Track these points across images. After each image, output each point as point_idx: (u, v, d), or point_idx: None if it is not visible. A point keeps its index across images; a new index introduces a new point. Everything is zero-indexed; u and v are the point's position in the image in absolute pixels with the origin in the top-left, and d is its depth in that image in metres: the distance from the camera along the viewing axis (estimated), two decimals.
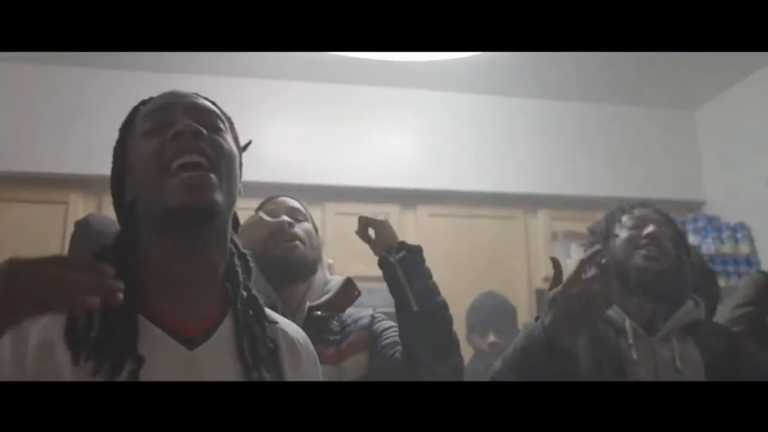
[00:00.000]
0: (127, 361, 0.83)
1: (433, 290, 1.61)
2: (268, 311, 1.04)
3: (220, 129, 0.97)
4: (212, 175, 0.90)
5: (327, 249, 3.67)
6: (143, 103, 1.02)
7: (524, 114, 4.18)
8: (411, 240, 4.06)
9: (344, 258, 3.71)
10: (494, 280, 3.67)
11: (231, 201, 0.95)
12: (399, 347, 1.59)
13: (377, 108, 4.03)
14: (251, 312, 0.97)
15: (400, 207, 3.92)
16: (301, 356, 1.03)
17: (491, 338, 2.85)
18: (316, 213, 3.71)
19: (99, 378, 0.81)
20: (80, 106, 3.74)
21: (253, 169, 4.05)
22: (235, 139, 1.03)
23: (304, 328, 1.56)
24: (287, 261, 1.61)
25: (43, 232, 3.42)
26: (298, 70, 3.85)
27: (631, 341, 1.55)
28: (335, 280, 1.74)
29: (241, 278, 0.99)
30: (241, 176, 1.01)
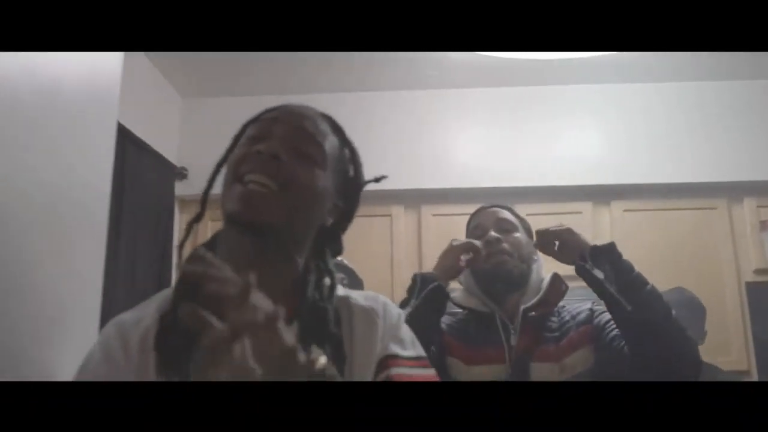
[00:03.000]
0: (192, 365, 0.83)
1: (638, 283, 1.57)
2: (343, 294, 1.02)
3: (310, 158, 0.97)
4: (272, 198, 0.92)
5: None
6: (274, 107, 1.06)
7: (716, 98, 3.95)
8: (605, 237, 4.00)
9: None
10: (697, 275, 3.54)
11: (301, 226, 0.97)
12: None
13: (561, 106, 3.99)
14: (314, 321, 0.94)
15: (593, 204, 3.86)
16: (376, 323, 0.99)
17: None
18: None
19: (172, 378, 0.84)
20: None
21: (442, 176, 4.22)
22: (355, 167, 1.06)
23: (522, 330, 1.61)
24: (496, 275, 1.67)
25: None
26: (477, 77, 3.92)
27: None
28: (545, 279, 1.76)
29: (309, 293, 0.96)
30: (352, 203, 1.04)
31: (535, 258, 1.77)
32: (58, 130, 1.59)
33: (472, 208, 3.69)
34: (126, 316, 0.95)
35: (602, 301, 1.60)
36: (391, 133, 3.78)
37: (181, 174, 3.96)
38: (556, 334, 1.66)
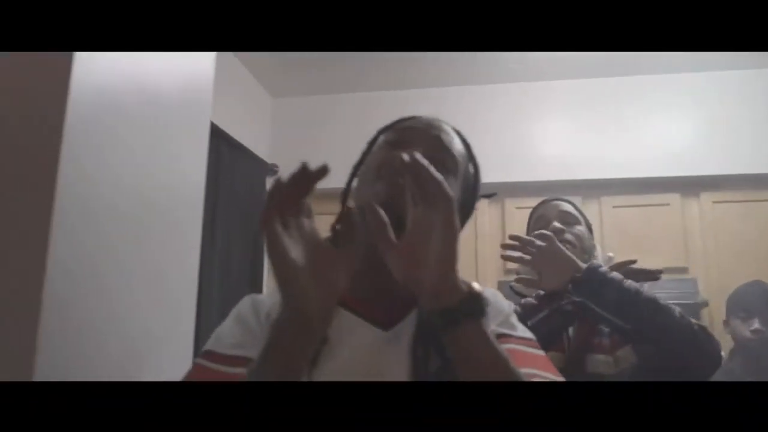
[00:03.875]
0: (322, 351, 0.91)
1: (629, 299, 1.49)
2: None
3: (445, 167, 1.00)
4: (408, 195, 0.93)
5: (606, 242, 3.71)
6: (410, 117, 1.11)
7: None
8: (695, 229, 3.95)
9: (622, 250, 3.71)
10: None
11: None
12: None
13: (647, 97, 3.93)
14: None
15: (681, 196, 3.80)
16: (488, 314, 1.00)
17: (756, 325, 2.67)
18: (592, 207, 3.79)
19: None
20: (370, 125, 4.15)
21: (526, 168, 4.23)
22: (475, 184, 1.10)
23: (580, 321, 1.61)
24: None
25: None
26: (561, 69, 3.91)
27: None
28: None
29: None
30: (465, 216, 1.06)
31: (595, 253, 1.77)
32: (158, 131, 1.72)
33: None
34: (260, 296, 1.06)
35: (671, 299, 1.57)
36: (475, 127, 3.72)
37: (273, 170, 4.13)
38: (608, 329, 1.63)
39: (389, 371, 0.93)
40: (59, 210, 1.34)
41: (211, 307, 3.34)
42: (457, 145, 1.07)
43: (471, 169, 1.10)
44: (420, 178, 0.81)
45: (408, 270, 0.82)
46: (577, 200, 3.79)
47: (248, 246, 3.86)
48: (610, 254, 3.68)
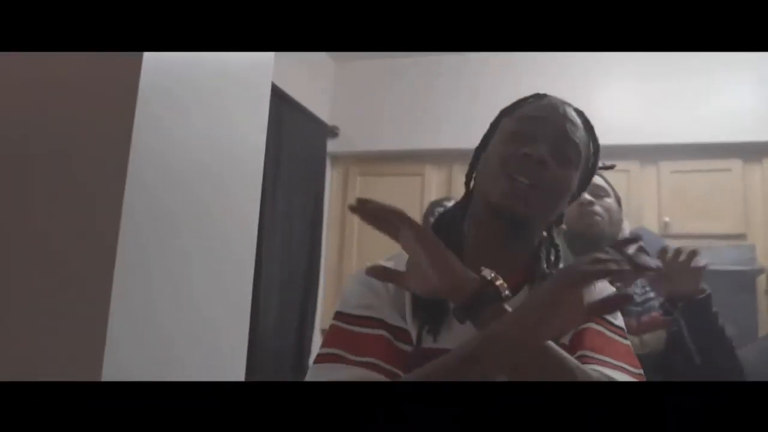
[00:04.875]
0: (445, 320, 0.98)
1: (717, 341, 1.58)
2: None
3: (569, 161, 1.04)
4: (535, 197, 1.00)
5: (663, 207, 3.71)
6: (534, 97, 1.12)
7: None
8: (756, 196, 3.92)
9: (680, 216, 3.71)
10: None
11: (547, 216, 1.05)
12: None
13: (709, 63, 3.86)
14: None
15: (743, 162, 3.75)
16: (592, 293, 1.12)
17: None
18: (651, 172, 3.78)
19: (424, 332, 0.98)
20: (431, 89, 4.20)
21: None
22: (594, 161, 1.13)
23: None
24: (586, 235, 1.70)
25: (403, 202, 3.92)
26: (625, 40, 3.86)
27: None
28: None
29: (543, 262, 1.08)
30: (584, 188, 1.12)
31: (623, 226, 1.80)
32: (221, 100, 1.81)
33: (619, 165, 3.70)
34: (385, 263, 1.03)
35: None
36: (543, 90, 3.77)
37: (333, 132, 4.23)
38: (639, 308, 1.70)
39: None
40: (129, 190, 1.46)
41: (272, 270, 3.47)
42: (581, 133, 1.07)
43: (592, 149, 1.11)
44: None
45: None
46: (635, 165, 3.82)
47: (309, 206, 3.98)
48: (667, 219, 3.68)
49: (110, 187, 1.45)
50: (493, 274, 0.91)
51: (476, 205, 1.07)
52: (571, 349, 0.99)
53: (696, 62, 3.85)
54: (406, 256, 0.93)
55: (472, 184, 1.11)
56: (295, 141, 3.80)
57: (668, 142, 3.81)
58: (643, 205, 3.77)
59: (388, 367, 0.94)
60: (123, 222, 1.43)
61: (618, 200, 1.83)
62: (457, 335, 0.93)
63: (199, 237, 1.72)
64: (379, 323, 0.98)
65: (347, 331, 0.98)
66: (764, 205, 3.65)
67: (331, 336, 1.00)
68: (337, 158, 4.36)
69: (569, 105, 1.10)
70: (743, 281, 3.22)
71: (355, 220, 4.62)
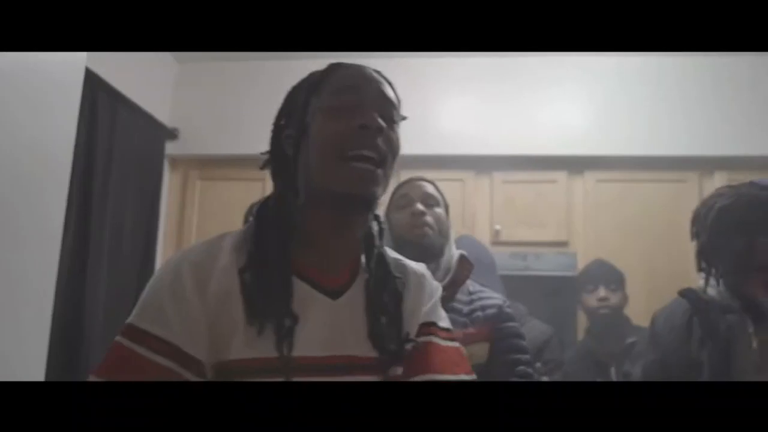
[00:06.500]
0: (286, 320, 0.90)
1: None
2: (396, 256, 1.13)
3: (395, 122, 1.01)
4: (379, 171, 0.96)
5: (495, 216, 3.88)
6: (331, 69, 1.04)
7: (695, 72, 4.03)
8: (578, 205, 4.14)
9: (510, 224, 3.91)
10: (668, 245, 3.67)
11: (386, 188, 1.00)
12: (521, 367, 1.70)
13: (543, 76, 4.07)
14: (380, 267, 1.05)
15: (568, 173, 3.99)
16: (425, 287, 1.11)
17: (602, 293, 2.88)
18: (484, 182, 3.94)
19: (262, 337, 0.89)
20: (274, 93, 4.15)
21: (425, 142, 4.31)
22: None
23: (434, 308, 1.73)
24: (416, 246, 1.72)
25: (243, 207, 3.87)
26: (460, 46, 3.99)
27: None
28: (454, 258, 1.81)
29: (376, 241, 1.07)
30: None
31: (450, 236, 1.84)
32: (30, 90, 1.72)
33: (452, 174, 3.85)
34: (197, 257, 0.94)
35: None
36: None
37: (173, 134, 4.10)
38: (464, 319, 1.74)
39: (344, 341, 0.96)
40: None
41: (99, 273, 3.31)
42: (390, 90, 1.04)
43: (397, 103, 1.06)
44: None
45: None
46: (470, 174, 3.96)
47: (144, 209, 3.83)
48: (498, 227, 3.87)
49: None
50: None
51: (312, 195, 0.98)
52: (410, 368, 1.00)
53: (529, 77, 4.07)
54: None
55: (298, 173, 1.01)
56: (130, 142, 3.65)
57: (501, 154, 3.96)
58: (476, 213, 3.94)
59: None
60: None
61: (447, 208, 1.87)
62: (301, 342, 0.91)
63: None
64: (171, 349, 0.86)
65: (137, 357, 0.86)
66: (585, 215, 3.92)
67: (113, 361, 0.87)
68: (176, 161, 4.22)
69: (369, 68, 1.05)
70: (565, 286, 3.43)
71: (194, 222, 4.50)
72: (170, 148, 4.13)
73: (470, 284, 1.84)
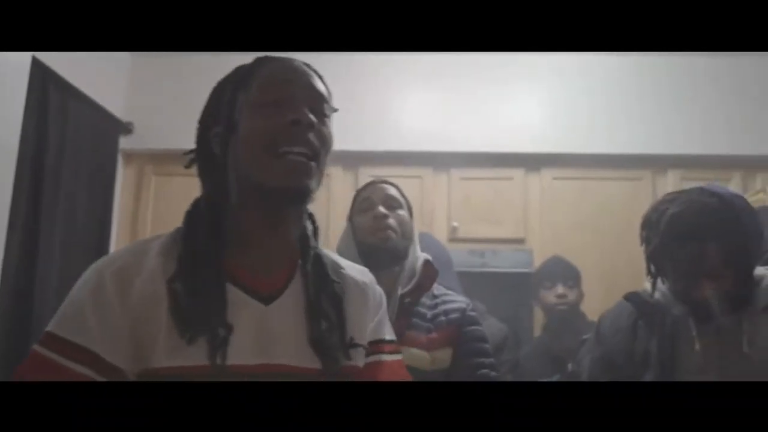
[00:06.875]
0: (220, 330, 0.87)
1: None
2: (335, 259, 1.10)
3: (326, 115, 1.00)
4: (313, 164, 0.94)
5: (452, 213, 3.89)
6: (259, 63, 1.03)
7: (652, 71, 4.08)
8: (535, 202, 4.17)
9: (467, 221, 3.92)
10: (623, 243, 3.67)
11: (320, 182, 0.98)
12: (483, 370, 1.71)
13: (501, 73, 4.08)
14: (318, 269, 1.02)
15: (525, 171, 4.01)
16: (368, 297, 1.09)
17: (560, 290, 2.92)
18: (442, 179, 3.95)
19: (192, 345, 0.85)
20: None
21: (383, 138, 4.28)
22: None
23: (398, 314, 1.68)
24: (380, 249, 1.72)
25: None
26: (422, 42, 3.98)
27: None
28: (419, 261, 1.81)
29: (311, 242, 1.05)
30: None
31: (414, 238, 1.83)
32: None
33: (410, 171, 3.85)
34: (121, 262, 0.91)
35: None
36: (334, 95, 3.77)
37: (127, 129, 4.01)
38: (429, 324, 1.74)
39: (276, 348, 0.92)
40: None
41: (50, 268, 3.23)
42: (320, 82, 1.03)
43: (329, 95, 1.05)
44: None
45: None
46: (428, 171, 3.96)
47: (97, 204, 3.75)
48: (455, 224, 3.88)
49: None
50: None
51: (244, 193, 0.96)
52: None
53: (487, 74, 4.07)
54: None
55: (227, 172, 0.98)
56: (82, 136, 3.56)
57: (459, 150, 3.97)
58: (434, 210, 3.94)
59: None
60: None
61: (410, 210, 1.85)
62: (234, 350, 0.89)
63: None
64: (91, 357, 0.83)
65: (55, 366, 0.83)
66: (541, 213, 3.96)
67: (28, 370, 0.84)
68: (130, 156, 4.12)
69: (297, 61, 1.04)
70: (522, 283, 3.44)
71: (149, 218, 4.40)
72: (124, 142, 4.04)
73: (435, 287, 1.83)
